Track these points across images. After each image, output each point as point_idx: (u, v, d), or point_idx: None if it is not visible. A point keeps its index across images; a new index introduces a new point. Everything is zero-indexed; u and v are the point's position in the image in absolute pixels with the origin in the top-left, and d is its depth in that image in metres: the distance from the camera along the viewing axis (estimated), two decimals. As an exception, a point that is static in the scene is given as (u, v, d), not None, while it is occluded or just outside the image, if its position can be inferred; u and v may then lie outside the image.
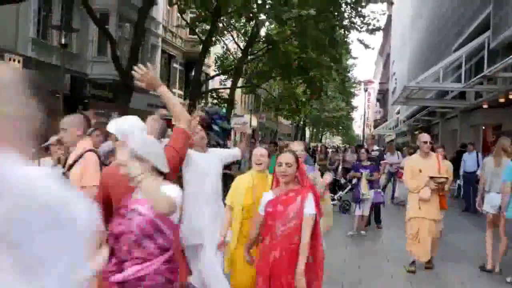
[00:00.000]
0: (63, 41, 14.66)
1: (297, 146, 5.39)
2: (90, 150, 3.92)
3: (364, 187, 9.53)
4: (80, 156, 3.86)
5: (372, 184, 9.82)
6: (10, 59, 15.15)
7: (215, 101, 29.16)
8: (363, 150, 10.32)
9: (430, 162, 6.90)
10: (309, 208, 3.52)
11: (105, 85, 20.51)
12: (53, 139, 5.12)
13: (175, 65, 31.45)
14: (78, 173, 3.81)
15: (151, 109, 23.73)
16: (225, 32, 26.49)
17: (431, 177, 6.73)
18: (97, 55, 21.34)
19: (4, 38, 15.74)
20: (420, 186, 6.75)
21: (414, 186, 6.83)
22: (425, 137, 7.06)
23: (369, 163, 9.93)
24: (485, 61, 14.54)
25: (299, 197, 3.54)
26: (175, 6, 23.05)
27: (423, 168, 6.84)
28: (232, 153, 5.31)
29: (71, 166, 3.86)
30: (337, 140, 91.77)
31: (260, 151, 4.81)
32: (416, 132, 31.26)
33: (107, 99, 20.66)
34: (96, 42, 21.25)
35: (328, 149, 22.45)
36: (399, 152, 15.34)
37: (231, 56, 29.95)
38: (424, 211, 6.77)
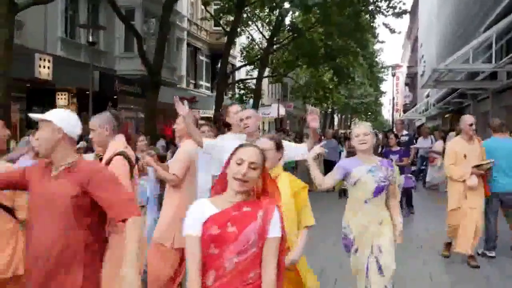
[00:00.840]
0: (90, 39, 14.93)
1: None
2: (118, 154, 3.70)
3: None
4: (110, 160, 3.66)
5: (403, 169, 9.77)
6: (40, 59, 15.49)
7: (242, 91, 29.24)
8: (392, 136, 10.22)
9: (474, 147, 6.48)
10: (276, 229, 2.33)
11: (133, 80, 20.78)
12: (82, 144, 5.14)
13: (201, 57, 31.61)
14: None
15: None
16: (250, 22, 26.46)
17: (477, 166, 6.34)
18: (124, 51, 21.62)
19: (34, 38, 16.09)
20: (466, 174, 6.32)
21: (459, 174, 6.39)
22: (470, 119, 6.52)
23: (398, 148, 9.86)
24: (516, 40, 14.19)
25: (261, 212, 2.34)
26: (199, -1, 23.16)
27: (468, 154, 6.39)
28: (300, 151, 4.44)
29: None
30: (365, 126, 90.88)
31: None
32: (447, 116, 30.74)
33: (136, 94, 20.93)
34: (123, 39, 21.52)
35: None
36: (432, 136, 15.04)
37: (256, 46, 29.93)
38: (469, 200, 6.38)
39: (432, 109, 35.28)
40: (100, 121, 3.83)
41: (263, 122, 40.18)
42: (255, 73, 27.94)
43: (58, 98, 17.97)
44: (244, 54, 30.79)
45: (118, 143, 3.81)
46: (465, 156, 6.40)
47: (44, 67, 15.60)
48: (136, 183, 4.25)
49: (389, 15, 20.81)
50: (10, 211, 3.60)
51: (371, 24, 24.42)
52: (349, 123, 70.30)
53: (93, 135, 3.89)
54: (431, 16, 41.55)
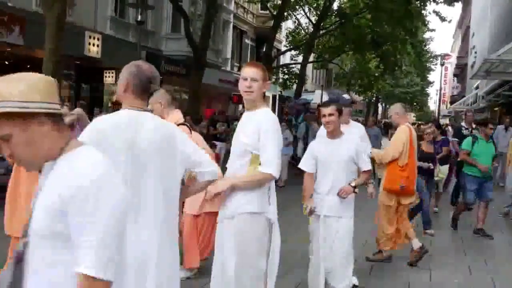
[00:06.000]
0: (139, 18, 15.09)
1: None
2: (182, 124, 4.11)
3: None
4: None
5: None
6: (90, 37, 15.84)
7: (286, 76, 29.13)
8: (436, 132, 9.85)
9: None
10: None
11: (178, 61, 21.01)
12: None
13: (246, 40, 31.62)
14: None
15: (222, 84, 24.07)
16: (297, 6, 26.25)
17: None
18: (171, 32, 21.88)
19: (85, 17, 16.47)
20: None
21: None
22: None
23: (440, 138, 9.65)
24: None
25: None
26: (247, -18, 23.10)
27: None
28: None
29: None
30: (410, 117, 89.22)
31: None
32: (496, 109, 29.82)
33: (181, 75, 21.17)
34: (170, 19, 21.76)
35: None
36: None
37: (302, 31, 29.70)
38: None
39: (481, 101, 34.25)
40: (155, 97, 4.13)
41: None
42: (299, 59, 27.76)
43: (106, 76, 18.37)
44: (289, 39, 30.61)
45: (177, 116, 4.22)
46: None
47: (93, 45, 15.96)
48: None
49: (440, 2, 20.24)
50: None
51: (421, 11, 23.79)
52: (393, 113, 69.01)
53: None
54: (485, 5, 40.19)
